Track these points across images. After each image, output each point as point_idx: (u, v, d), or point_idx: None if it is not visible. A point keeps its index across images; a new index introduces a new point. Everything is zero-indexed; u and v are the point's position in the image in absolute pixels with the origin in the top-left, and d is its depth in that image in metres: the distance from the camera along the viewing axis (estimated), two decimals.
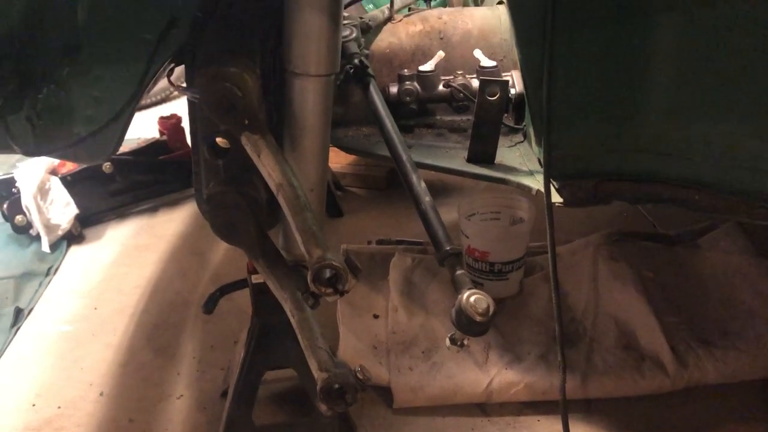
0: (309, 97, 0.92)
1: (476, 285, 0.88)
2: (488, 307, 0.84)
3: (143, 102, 2.85)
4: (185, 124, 2.18)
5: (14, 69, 0.93)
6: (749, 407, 1.28)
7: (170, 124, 2.25)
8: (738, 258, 1.50)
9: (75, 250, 2.00)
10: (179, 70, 1.01)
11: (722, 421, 1.25)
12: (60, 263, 1.91)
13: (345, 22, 1.24)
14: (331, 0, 0.85)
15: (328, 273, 0.82)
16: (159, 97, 3.24)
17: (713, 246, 1.57)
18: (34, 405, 1.38)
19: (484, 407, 1.32)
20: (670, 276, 1.53)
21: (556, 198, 1.09)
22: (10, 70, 0.92)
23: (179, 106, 2.98)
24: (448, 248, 0.92)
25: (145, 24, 0.87)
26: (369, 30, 1.38)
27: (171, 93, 3.26)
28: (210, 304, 1.24)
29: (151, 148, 2.20)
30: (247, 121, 0.87)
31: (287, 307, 0.95)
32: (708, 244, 1.59)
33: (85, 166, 2.03)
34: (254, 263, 0.98)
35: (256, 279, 1.12)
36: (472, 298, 0.84)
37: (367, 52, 1.32)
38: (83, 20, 0.88)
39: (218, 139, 0.97)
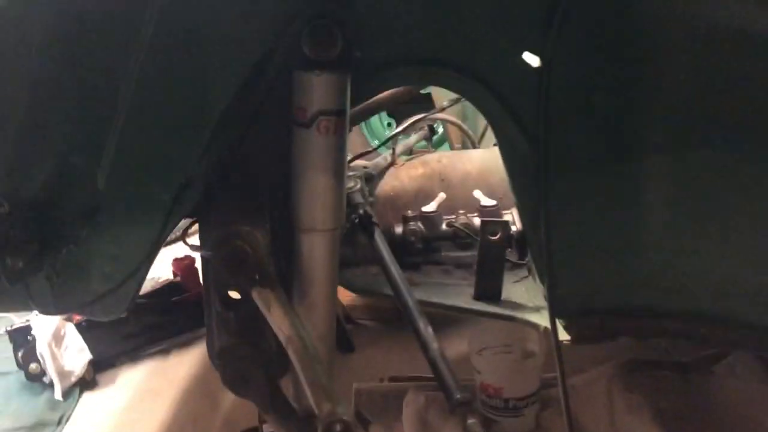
0: (316, 251, 0.96)
1: (491, 422, 0.87)
2: None
3: None
4: (198, 264, 2.23)
5: (36, 232, 0.97)
6: None
7: (184, 265, 2.29)
8: (756, 386, 1.47)
9: (87, 397, 1.98)
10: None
11: None
12: (72, 411, 1.89)
13: (350, 174, 1.31)
14: (335, 161, 0.91)
15: (338, 427, 0.83)
16: (173, 237, 3.31)
17: (729, 373, 1.54)
18: None
19: None
20: (686, 406, 1.49)
21: (563, 336, 1.10)
22: (32, 234, 0.97)
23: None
24: (458, 396, 0.92)
25: (161, 185, 0.93)
26: (373, 178, 1.46)
27: (184, 234, 3.33)
28: None
29: (164, 290, 2.23)
30: (257, 276, 0.90)
31: None
32: (724, 372, 1.56)
33: None
34: (265, 416, 0.99)
35: (268, 428, 1.12)
36: None
37: (372, 200, 1.38)
38: (103, 184, 0.93)
39: (229, 293, 1.00)
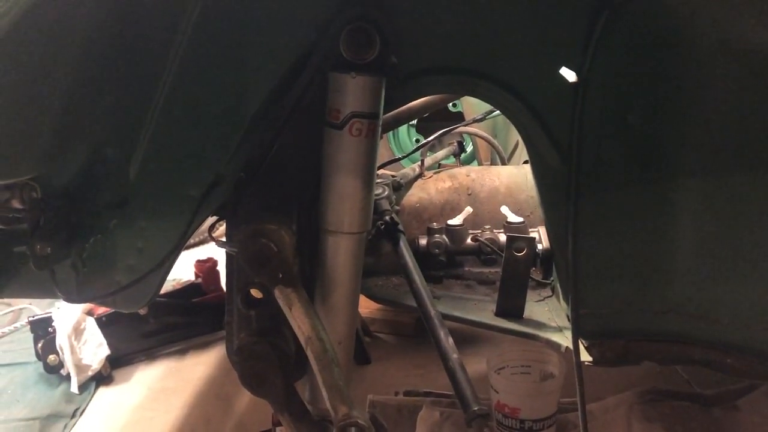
0: (341, 253, 0.96)
1: None
2: None
3: None
4: (220, 267, 2.25)
5: (66, 220, 0.98)
6: None
7: (206, 267, 2.31)
8: None
9: (103, 392, 1.99)
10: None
11: None
12: (87, 405, 1.90)
13: (377, 181, 1.31)
14: (365, 165, 0.92)
15: (353, 431, 0.82)
16: (196, 240, 3.34)
17: (753, 409, 1.51)
18: None
19: None
20: None
21: (585, 356, 1.08)
22: (62, 222, 0.98)
23: (215, 250, 3.06)
24: (475, 408, 0.91)
25: (191, 181, 0.93)
26: (400, 187, 1.45)
27: (208, 237, 3.35)
28: None
29: (185, 291, 2.25)
30: (281, 275, 0.90)
31: None
32: (747, 406, 1.52)
33: None
34: (279, 416, 0.98)
35: (281, 431, 1.11)
36: None
37: (397, 208, 1.38)
38: (134, 176, 0.94)
39: (252, 291, 1.00)
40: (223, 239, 1.00)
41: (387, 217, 1.24)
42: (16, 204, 0.96)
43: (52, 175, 0.95)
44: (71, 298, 1.01)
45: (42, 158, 0.90)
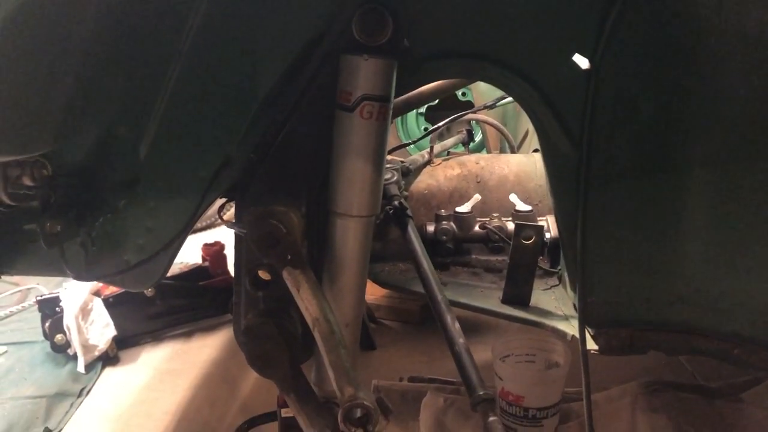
0: (349, 236, 0.96)
1: (510, 431, 0.86)
2: None
3: None
4: (228, 251, 2.25)
5: (76, 198, 0.99)
6: None
7: (213, 250, 2.31)
8: None
9: (109, 372, 2.01)
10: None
11: None
12: (93, 384, 1.91)
13: (387, 165, 1.31)
14: (375, 148, 0.91)
15: (358, 412, 0.82)
16: (204, 224, 3.35)
17: (757, 402, 1.51)
18: None
19: None
20: (711, 431, 1.46)
21: (591, 345, 1.08)
22: (72, 200, 0.99)
23: (223, 234, 3.07)
24: (481, 393, 0.91)
25: (201, 162, 0.93)
26: (409, 173, 1.45)
27: (216, 221, 3.37)
28: None
29: (192, 274, 2.26)
30: (289, 257, 0.91)
31: None
32: (752, 399, 1.52)
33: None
34: (285, 397, 0.99)
35: (285, 413, 1.12)
36: None
37: (406, 194, 1.38)
38: (145, 155, 0.94)
39: (260, 272, 1.00)
40: (233, 221, 1.00)
41: (396, 202, 1.24)
42: (27, 181, 0.97)
43: (64, 152, 0.96)
44: (80, 276, 1.02)
45: (54, 135, 0.91)
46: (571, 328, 1.18)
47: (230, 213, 1.06)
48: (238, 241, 1.01)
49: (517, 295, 1.29)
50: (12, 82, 0.80)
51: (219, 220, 3.29)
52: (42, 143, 0.90)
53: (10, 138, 0.85)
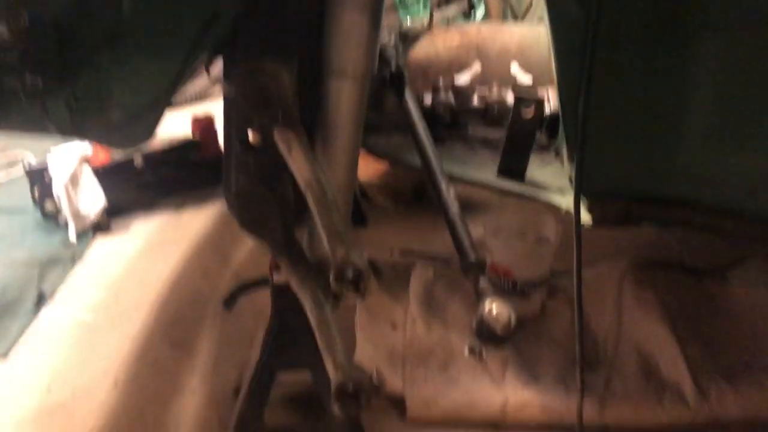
0: (344, 98, 0.92)
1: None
2: (509, 318, 0.83)
3: (177, 99, 2.87)
4: (218, 126, 2.20)
5: (57, 52, 0.94)
6: None
7: (203, 124, 2.27)
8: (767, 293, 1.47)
9: (101, 241, 2.01)
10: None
11: None
12: (85, 252, 1.92)
13: (385, 28, 1.25)
14: (373, 1, 0.86)
15: (350, 273, 0.82)
16: (193, 97, 3.27)
17: (742, 280, 1.54)
18: (49, 390, 1.39)
19: (498, 428, 1.29)
20: (697, 307, 1.50)
21: (585, 218, 1.07)
22: (54, 53, 0.94)
23: (213, 108, 3.01)
24: (472, 258, 0.91)
25: (187, 17, 0.88)
26: (408, 38, 1.39)
27: (206, 93, 3.29)
28: (230, 300, 1.24)
29: (182, 147, 2.22)
30: (280, 116, 0.87)
31: (307, 305, 0.94)
32: (737, 278, 1.55)
33: (117, 159, 2.06)
34: (278, 260, 0.98)
35: (277, 278, 1.12)
36: (494, 309, 0.83)
37: (404, 59, 1.32)
38: (128, 10, 0.88)
39: (250, 136, 0.97)
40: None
41: (393, 66, 1.19)
42: (3, 34, 0.92)
43: (42, 2, 0.90)
44: (65, 131, 0.99)
45: None
46: (566, 201, 1.17)
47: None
48: (227, 102, 0.97)
49: (513, 168, 1.27)
50: None
51: (208, 94, 3.23)
52: None
53: None
